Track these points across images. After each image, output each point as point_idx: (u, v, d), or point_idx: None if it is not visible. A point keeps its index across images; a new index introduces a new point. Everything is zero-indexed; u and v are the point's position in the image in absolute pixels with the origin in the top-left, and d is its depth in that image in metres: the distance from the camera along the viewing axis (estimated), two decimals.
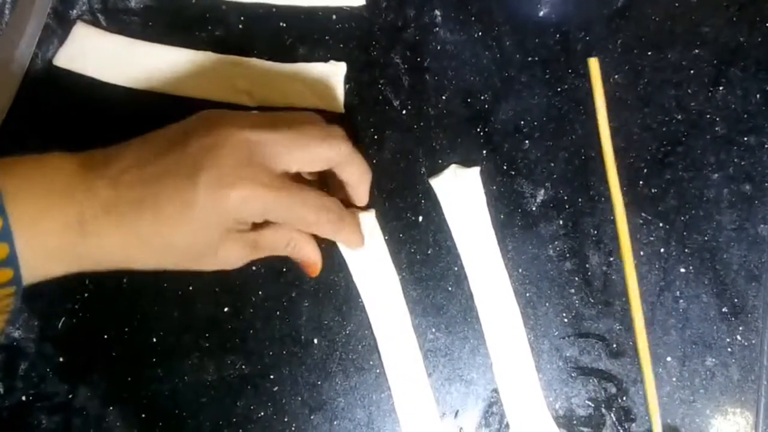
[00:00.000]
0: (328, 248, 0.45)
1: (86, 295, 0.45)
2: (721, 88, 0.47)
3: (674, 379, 0.45)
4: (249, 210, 0.36)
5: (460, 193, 0.46)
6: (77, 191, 0.35)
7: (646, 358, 0.44)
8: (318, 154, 0.38)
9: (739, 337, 0.45)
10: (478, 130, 0.47)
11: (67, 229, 0.34)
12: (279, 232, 0.40)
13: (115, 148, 0.37)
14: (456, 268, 0.46)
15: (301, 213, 0.37)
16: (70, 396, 0.44)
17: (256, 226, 0.39)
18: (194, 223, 0.35)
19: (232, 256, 0.38)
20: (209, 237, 0.36)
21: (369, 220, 0.45)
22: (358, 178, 0.41)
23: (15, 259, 0.33)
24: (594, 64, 0.47)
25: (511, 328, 0.45)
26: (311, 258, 0.42)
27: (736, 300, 0.45)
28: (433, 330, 0.45)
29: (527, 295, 0.45)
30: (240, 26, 0.48)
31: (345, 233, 0.41)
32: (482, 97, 0.47)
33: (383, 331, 0.44)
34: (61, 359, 0.44)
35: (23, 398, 0.44)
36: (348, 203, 0.43)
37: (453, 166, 0.46)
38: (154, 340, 0.45)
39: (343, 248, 0.45)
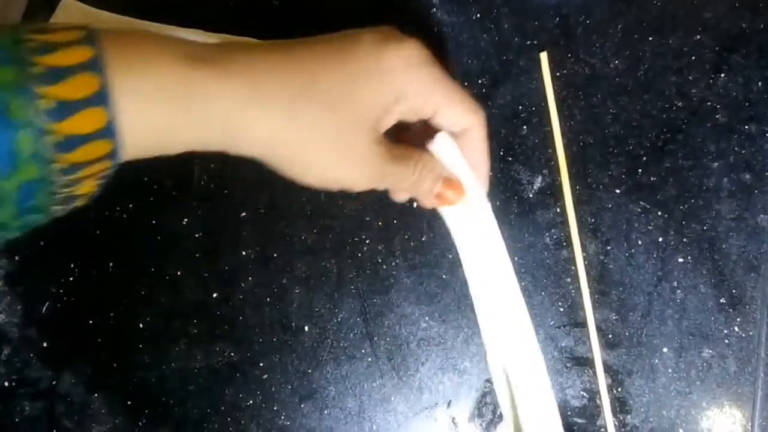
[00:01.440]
0: (318, 234, 0.44)
1: (71, 278, 0.44)
2: (722, 75, 0.47)
3: (670, 370, 0.44)
4: (415, 81, 0.31)
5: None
6: (203, 58, 0.28)
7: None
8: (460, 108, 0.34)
9: (736, 329, 0.44)
10: None
11: (181, 60, 0.27)
12: (411, 150, 0.34)
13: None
14: (450, 256, 0.45)
15: (459, 97, 0.33)
16: (54, 382, 0.43)
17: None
18: (354, 74, 0.30)
19: (365, 171, 0.32)
20: (364, 98, 0.30)
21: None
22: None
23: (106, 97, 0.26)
24: (544, 58, 0.46)
25: (511, 313, 0.44)
26: (442, 178, 0.36)
27: (734, 291, 0.45)
28: (426, 318, 0.44)
29: (522, 283, 0.44)
30: (231, 3, 0.47)
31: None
32: (480, 81, 0.46)
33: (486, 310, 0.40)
34: (44, 344, 0.43)
35: (5, 384, 0.43)
36: None
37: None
38: (141, 325, 0.44)
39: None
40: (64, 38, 0.25)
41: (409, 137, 0.36)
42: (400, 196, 0.37)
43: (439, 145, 0.35)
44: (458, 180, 0.36)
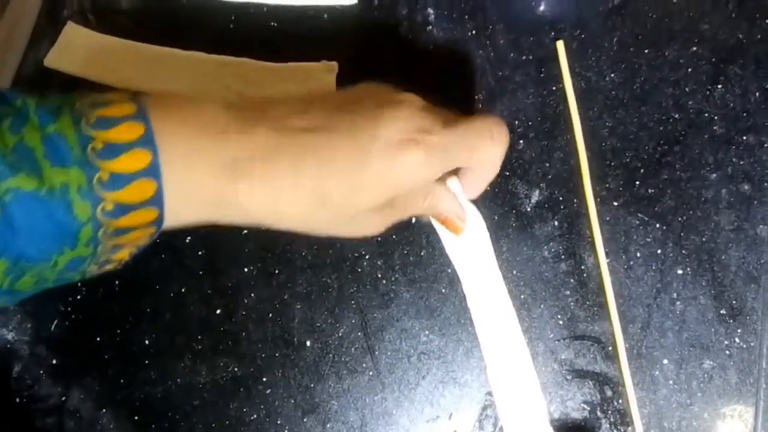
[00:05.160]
0: (319, 250, 0.45)
1: (79, 297, 0.45)
2: (719, 86, 0.47)
3: (671, 382, 0.44)
4: (421, 175, 0.33)
5: None
6: (233, 133, 0.32)
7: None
8: (485, 156, 0.36)
9: (737, 340, 0.44)
10: None
11: (219, 170, 0.31)
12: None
13: (273, 99, 0.35)
14: (449, 270, 0.45)
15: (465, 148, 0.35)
16: (63, 398, 0.44)
17: None
18: (363, 181, 0.32)
19: (372, 222, 0.36)
20: (371, 199, 0.33)
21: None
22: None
23: (161, 198, 0.30)
24: (560, 47, 0.46)
25: (505, 330, 0.44)
26: (454, 210, 0.39)
27: (734, 302, 0.45)
28: (427, 332, 0.45)
29: (522, 297, 0.45)
30: (231, 26, 0.48)
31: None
32: (476, 97, 0.47)
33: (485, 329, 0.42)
34: (54, 361, 0.44)
35: (17, 400, 0.44)
36: None
37: None
38: (147, 342, 0.45)
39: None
40: (125, 136, 0.28)
41: None
42: None
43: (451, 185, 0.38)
44: (463, 213, 0.39)
